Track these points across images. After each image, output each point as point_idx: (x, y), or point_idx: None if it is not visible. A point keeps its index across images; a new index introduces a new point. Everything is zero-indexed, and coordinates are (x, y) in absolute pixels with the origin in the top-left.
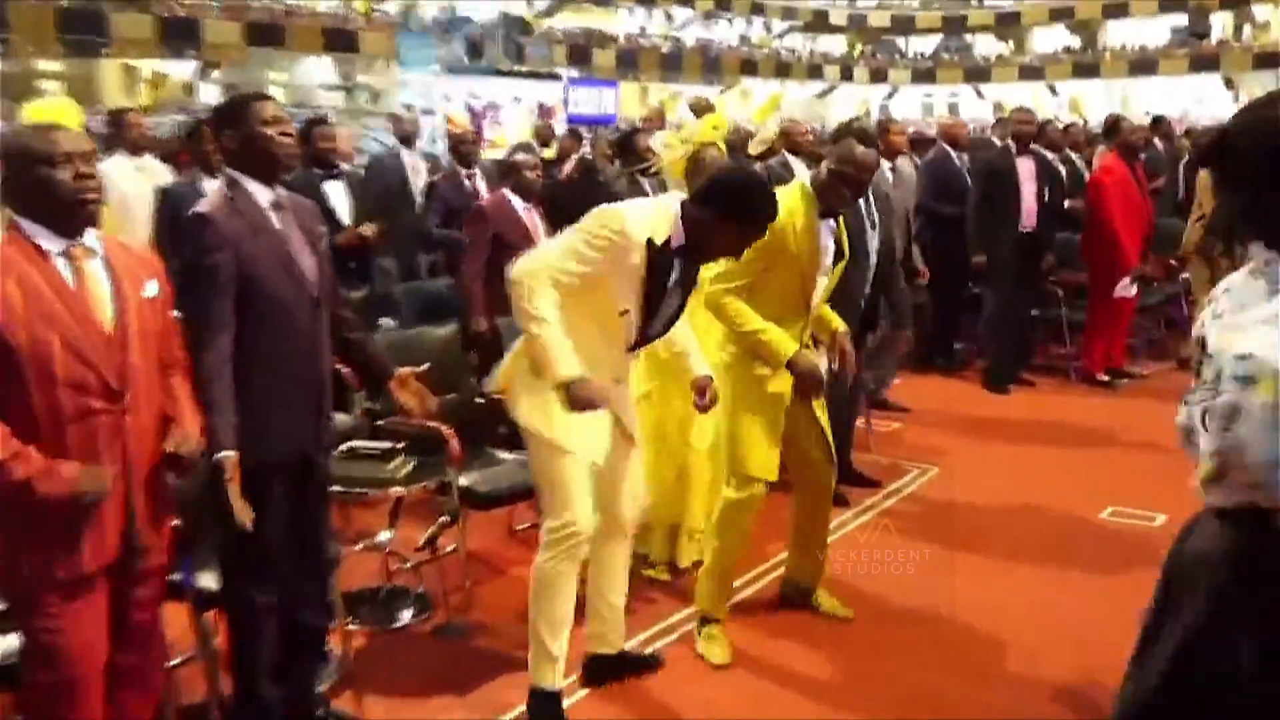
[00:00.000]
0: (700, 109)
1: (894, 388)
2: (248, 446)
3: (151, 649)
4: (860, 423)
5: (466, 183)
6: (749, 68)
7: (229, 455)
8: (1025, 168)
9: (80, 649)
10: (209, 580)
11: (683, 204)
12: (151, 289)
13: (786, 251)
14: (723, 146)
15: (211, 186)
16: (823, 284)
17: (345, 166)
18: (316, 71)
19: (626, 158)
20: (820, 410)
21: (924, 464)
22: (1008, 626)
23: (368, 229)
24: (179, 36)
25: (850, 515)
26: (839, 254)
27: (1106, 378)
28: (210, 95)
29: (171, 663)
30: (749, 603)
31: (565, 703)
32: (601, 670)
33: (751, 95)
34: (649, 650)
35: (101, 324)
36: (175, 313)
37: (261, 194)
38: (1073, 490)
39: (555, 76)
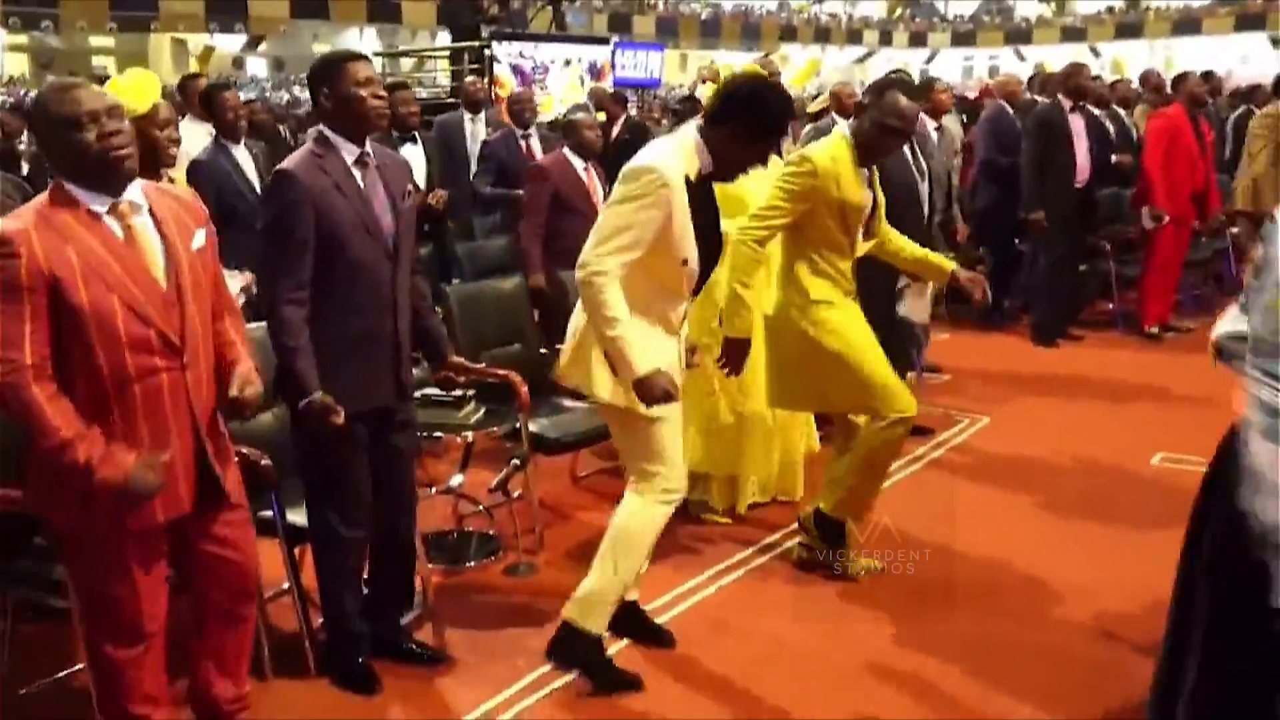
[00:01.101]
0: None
1: (943, 345)
2: (331, 396)
3: (243, 585)
4: (911, 376)
5: (521, 144)
6: (788, 33)
7: (318, 397)
8: (1077, 124)
9: (139, 609)
10: (297, 517)
11: (699, 129)
12: (199, 239)
13: (831, 197)
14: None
15: (240, 152)
16: (861, 237)
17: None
18: (360, 43)
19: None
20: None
21: (975, 414)
22: (1061, 570)
23: (435, 197)
24: (226, 11)
25: (903, 462)
26: (875, 202)
27: (1155, 330)
28: (258, 68)
29: (264, 597)
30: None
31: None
32: (619, 619)
33: (789, 61)
34: (714, 586)
35: (158, 282)
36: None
37: (348, 152)
38: (1122, 439)
39: (604, 40)
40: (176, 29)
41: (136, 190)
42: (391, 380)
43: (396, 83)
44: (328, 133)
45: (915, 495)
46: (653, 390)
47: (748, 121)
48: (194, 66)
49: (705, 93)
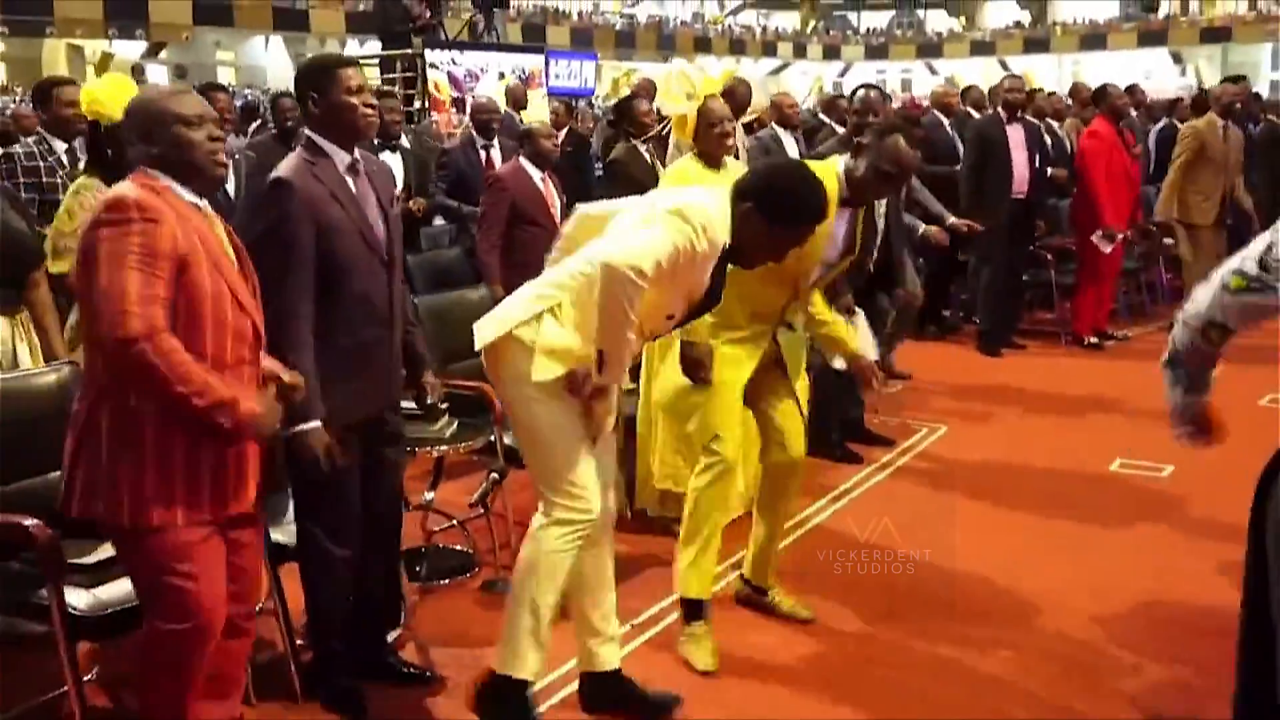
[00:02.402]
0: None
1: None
2: (327, 410)
3: (253, 596)
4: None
5: (482, 154)
6: (703, 45)
7: (317, 424)
8: (1015, 135)
9: (212, 597)
10: (280, 535)
11: (731, 200)
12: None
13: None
14: (721, 99)
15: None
16: (817, 273)
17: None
18: (266, 52)
19: (625, 125)
20: (797, 381)
21: (932, 423)
22: (1033, 571)
23: (415, 204)
24: (126, 16)
25: (871, 469)
26: (849, 249)
27: (1095, 339)
28: (158, 75)
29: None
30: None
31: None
32: (603, 693)
33: (705, 72)
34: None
35: (243, 277)
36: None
37: (340, 159)
38: (1081, 445)
39: (537, 50)
40: (74, 34)
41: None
42: (385, 390)
43: (383, 91)
44: (318, 139)
45: (884, 502)
46: (602, 405)
47: (780, 212)
48: (91, 74)
49: (664, 103)
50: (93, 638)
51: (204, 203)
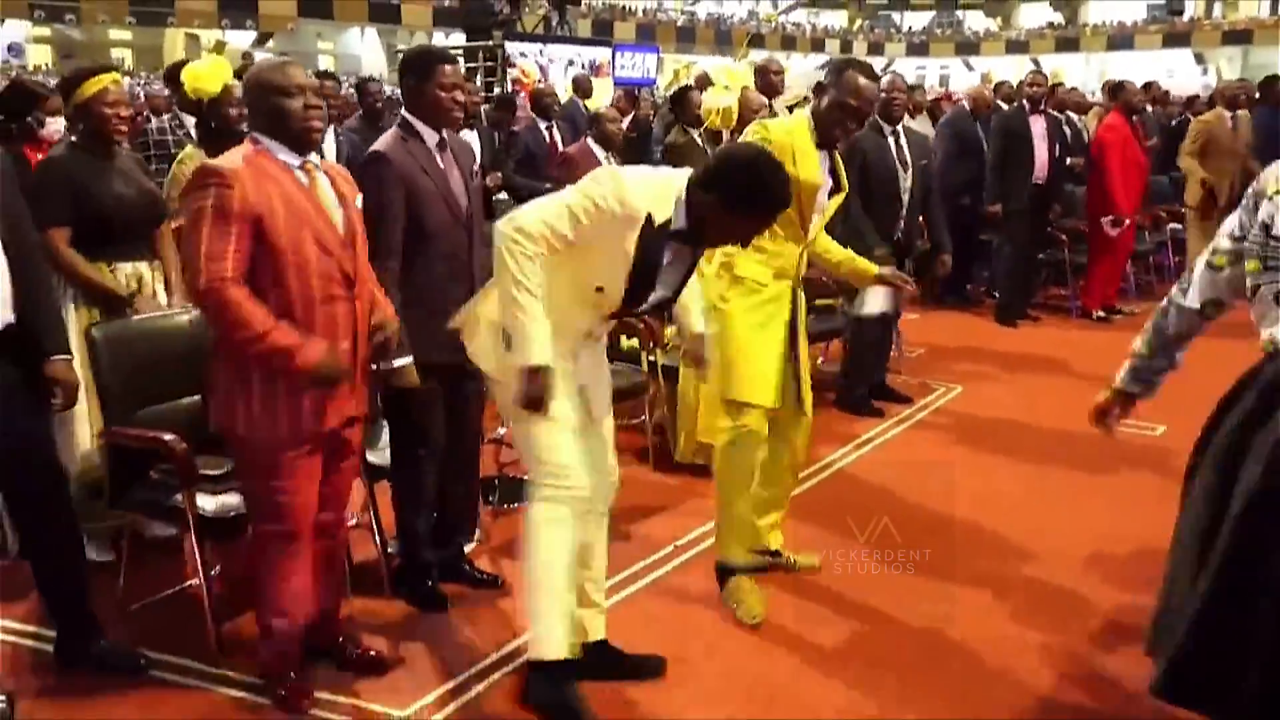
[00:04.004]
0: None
1: (916, 324)
2: (416, 351)
3: (345, 503)
4: (892, 350)
5: (545, 134)
6: (756, 40)
7: (408, 361)
8: (1037, 127)
9: (303, 506)
10: (375, 458)
11: (688, 185)
12: (359, 201)
13: (787, 159)
14: (754, 89)
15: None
16: (817, 220)
17: None
18: (362, 42)
19: (681, 115)
20: (800, 346)
21: (949, 384)
22: (1035, 513)
23: (491, 180)
24: (238, 8)
25: (889, 423)
26: (836, 187)
27: (1102, 313)
28: None
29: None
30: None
31: None
32: (591, 662)
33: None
34: None
35: (336, 226)
36: None
37: (429, 137)
38: (1081, 405)
39: (605, 43)
40: (191, 25)
41: (314, 156)
42: None
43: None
44: (412, 119)
45: (903, 451)
46: (534, 387)
47: (737, 196)
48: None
49: (708, 101)
50: (217, 538)
51: (313, 158)
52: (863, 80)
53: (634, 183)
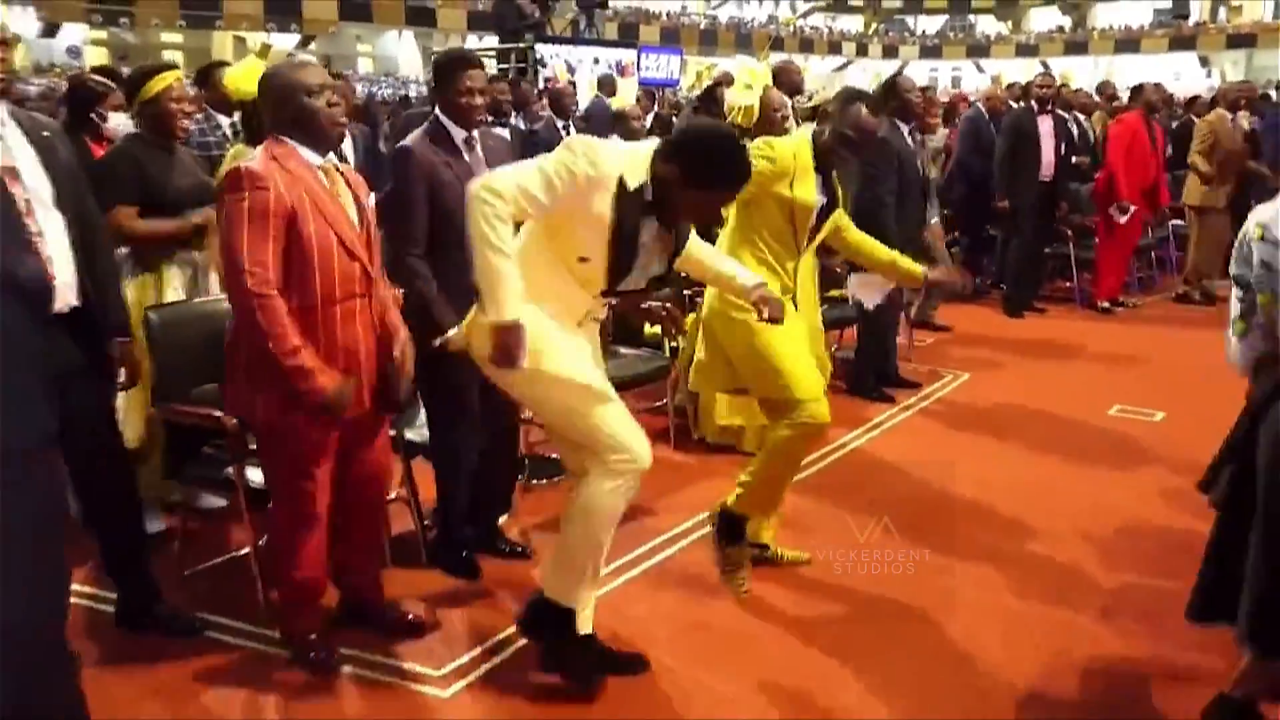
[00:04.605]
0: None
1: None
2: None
3: (385, 483)
4: (902, 339)
5: (562, 132)
6: (776, 44)
7: (453, 334)
8: (1045, 126)
9: (318, 489)
10: (413, 435)
11: (653, 155)
12: (370, 201)
13: (782, 192)
14: (775, 87)
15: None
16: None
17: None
18: (399, 44)
19: (710, 110)
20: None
21: (957, 371)
22: (1037, 495)
23: None
24: (282, 12)
25: (897, 410)
26: (832, 205)
27: (1108, 305)
28: None
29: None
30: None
31: None
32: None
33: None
34: None
35: (354, 225)
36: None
37: (456, 134)
38: (1085, 393)
39: (630, 45)
40: (238, 27)
41: (332, 156)
42: None
43: (493, 76)
44: (442, 118)
45: (910, 435)
46: (505, 339)
47: (693, 170)
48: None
49: (731, 98)
50: (264, 509)
51: (331, 158)
52: (866, 115)
53: (605, 146)
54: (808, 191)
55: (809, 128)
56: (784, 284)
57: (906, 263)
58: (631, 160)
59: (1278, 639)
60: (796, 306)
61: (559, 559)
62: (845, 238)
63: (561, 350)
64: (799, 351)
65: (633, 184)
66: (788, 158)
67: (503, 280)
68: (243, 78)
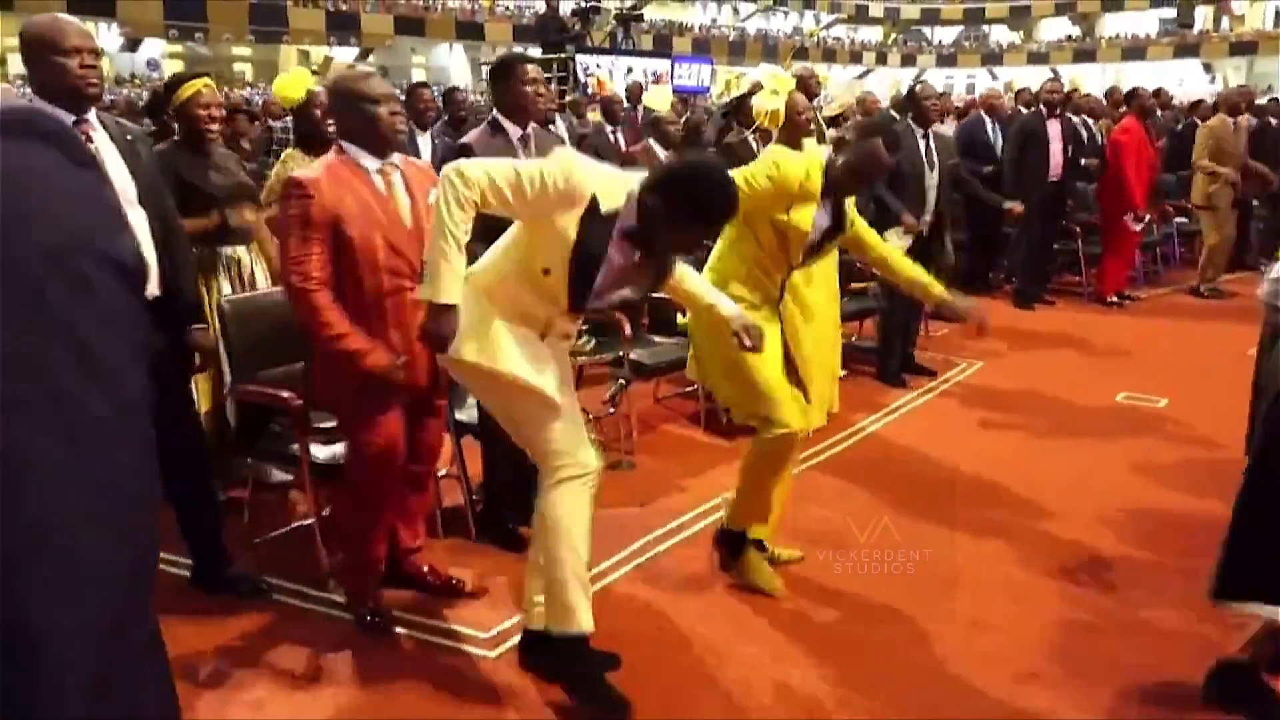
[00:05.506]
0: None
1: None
2: None
3: (434, 457)
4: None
5: (610, 136)
6: (800, 53)
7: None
8: (1053, 129)
9: (390, 456)
10: (463, 415)
11: (641, 186)
12: (432, 196)
13: (778, 215)
14: (800, 93)
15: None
16: (801, 254)
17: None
18: (450, 57)
19: (740, 119)
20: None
21: (971, 360)
22: (1046, 476)
23: None
24: (343, 27)
25: (915, 395)
26: (837, 229)
27: (1115, 299)
28: None
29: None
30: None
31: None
32: (538, 651)
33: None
34: None
35: (405, 223)
36: None
37: (514, 132)
38: (1093, 380)
39: (665, 55)
40: (302, 41)
41: (396, 157)
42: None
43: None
44: (499, 117)
45: (927, 418)
46: (436, 319)
47: (677, 206)
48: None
49: (758, 103)
50: (328, 483)
51: (395, 158)
52: (882, 152)
53: (586, 166)
54: (804, 219)
55: (827, 149)
56: (768, 293)
57: (931, 283)
58: (612, 185)
59: (1245, 581)
60: (781, 318)
61: (550, 592)
62: (870, 254)
63: (512, 350)
64: (775, 374)
65: (606, 207)
66: (794, 180)
67: (447, 263)
68: (290, 85)
